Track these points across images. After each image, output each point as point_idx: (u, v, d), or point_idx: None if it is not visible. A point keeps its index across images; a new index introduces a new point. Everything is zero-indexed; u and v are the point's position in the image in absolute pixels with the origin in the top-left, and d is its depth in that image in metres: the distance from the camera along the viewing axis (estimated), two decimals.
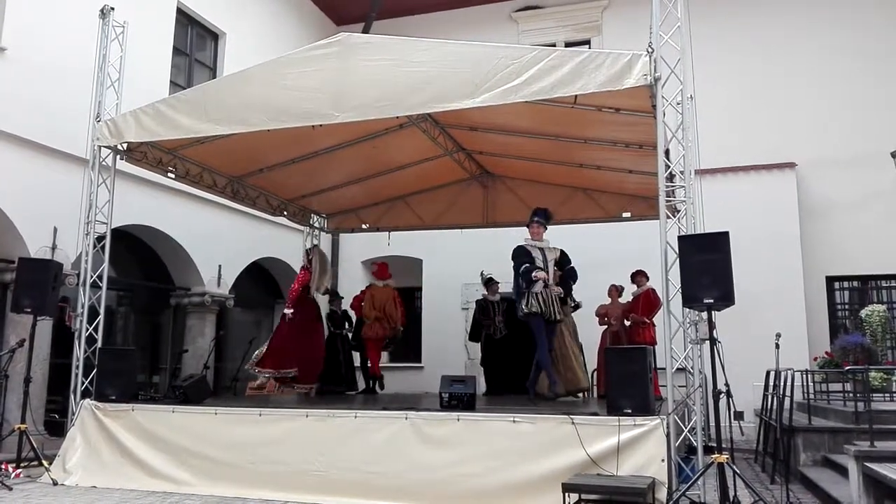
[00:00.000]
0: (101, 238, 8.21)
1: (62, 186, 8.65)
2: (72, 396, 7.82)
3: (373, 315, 10.70)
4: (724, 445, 5.77)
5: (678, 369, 6.31)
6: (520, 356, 9.87)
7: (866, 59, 12.30)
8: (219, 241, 11.45)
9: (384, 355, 11.74)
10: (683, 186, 6.64)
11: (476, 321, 11.06)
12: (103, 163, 8.24)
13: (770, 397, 8.75)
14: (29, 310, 7.58)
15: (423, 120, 8.73)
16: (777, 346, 7.30)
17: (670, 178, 6.66)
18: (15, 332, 8.25)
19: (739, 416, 7.95)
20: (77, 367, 7.86)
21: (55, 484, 7.04)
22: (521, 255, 8.67)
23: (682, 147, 6.56)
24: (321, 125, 7.44)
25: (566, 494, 5.45)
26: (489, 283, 10.98)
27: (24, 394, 7.51)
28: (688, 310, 6.24)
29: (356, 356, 11.30)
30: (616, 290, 10.29)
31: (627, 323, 10.04)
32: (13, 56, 8.36)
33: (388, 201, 12.18)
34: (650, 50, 6.32)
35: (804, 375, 8.88)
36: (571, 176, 10.51)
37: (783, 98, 12.55)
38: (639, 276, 9.98)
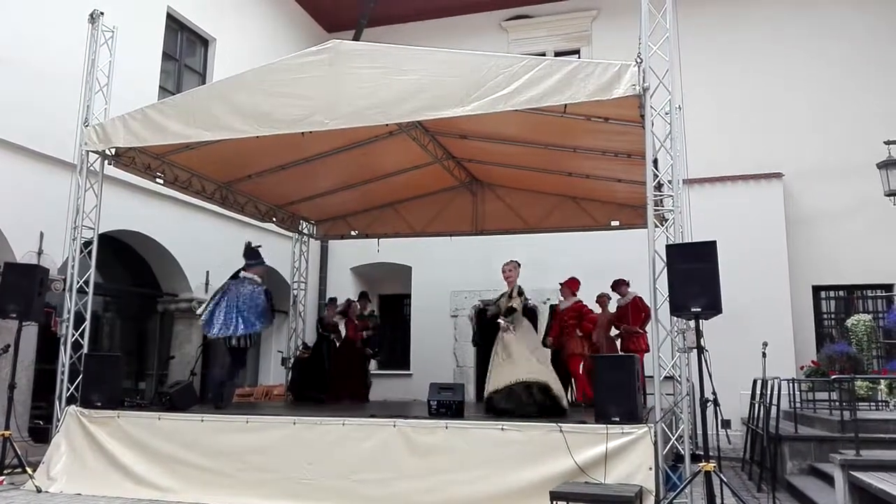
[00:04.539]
0: (87, 243, 8.16)
1: (49, 191, 8.60)
2: (57, 403, 7.75)
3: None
4: (711, 454, 5.80)
5: (666, 377, 6.34)
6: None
7: (854, 70, 12.45)
8: (207, 247, 11.39)
9: (372, 363, 11.67)
10: (671, 196, 6.67)
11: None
12: (91, 168, 8.20)
13: (757, 406, 8.78)
14: (14, 315, 7.51)
15: (413, 128, 8.73)
16: (764, 354, 7.35)
17: (658, 187, 6.70)
18: (0, 337, 8.18)
19: (726, 424, 7.96)
20: (62, 373, 7.81)
21: (39, 491, 6.97)
22: None
23: (670, 156, 6.59)
24: (311, 132, 7.43)
25: (554, 502, 5.46)
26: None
27: (8, 400, 7.43)
28: (675, 318, 6.27)
29: None
30: (606, 299, 10.28)
31: (614, 332, 10.03)
32: (1, 60, 8.31)
33: (378, 208, 12.18)
34: (639, 60, 6.36)
35: (791, 384, 8.92)
36: (561, 184, 10.54)
37: (771, 108, 12.66)
38: (621, 286, 9.96)
